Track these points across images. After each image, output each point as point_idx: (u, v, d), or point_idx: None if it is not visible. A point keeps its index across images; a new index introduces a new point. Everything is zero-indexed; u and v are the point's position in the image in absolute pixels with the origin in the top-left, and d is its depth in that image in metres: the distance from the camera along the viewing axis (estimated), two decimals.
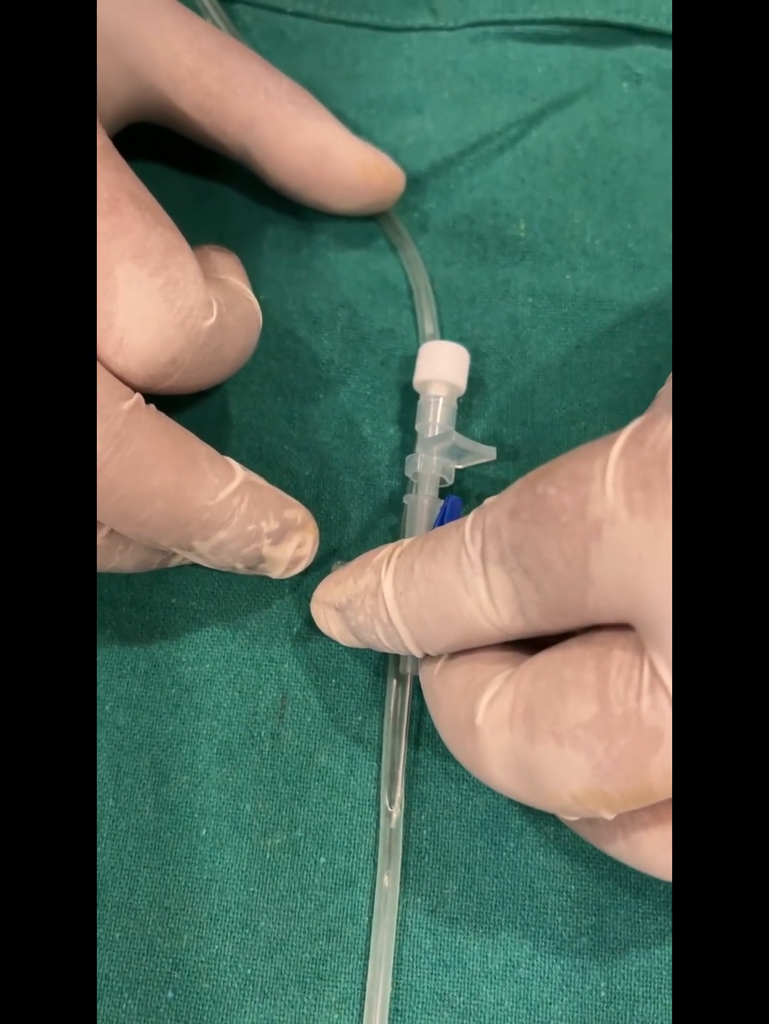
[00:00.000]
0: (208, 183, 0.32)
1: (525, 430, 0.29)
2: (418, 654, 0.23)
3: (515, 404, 0.29)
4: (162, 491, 0.22)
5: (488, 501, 0.21)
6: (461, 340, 0.30)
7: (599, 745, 0.18)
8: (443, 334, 0.30)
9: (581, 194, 0.32)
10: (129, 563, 0.24)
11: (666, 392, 0.25)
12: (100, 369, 0.22)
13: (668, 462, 0.17)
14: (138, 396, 0.22)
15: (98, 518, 0.22)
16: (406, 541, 0.23)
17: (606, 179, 0.32)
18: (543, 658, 0.20)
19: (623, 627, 0.19)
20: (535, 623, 0.20)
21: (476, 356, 0.30)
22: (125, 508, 0.22)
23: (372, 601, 0.23)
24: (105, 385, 0.21)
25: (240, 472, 0.24)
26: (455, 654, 0.22)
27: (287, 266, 0.31)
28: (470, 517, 0.21)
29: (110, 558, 0.24)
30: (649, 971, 0.24)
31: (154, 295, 0.22)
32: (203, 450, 0.23)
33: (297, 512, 0.25)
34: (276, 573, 0.25)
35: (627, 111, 0.33)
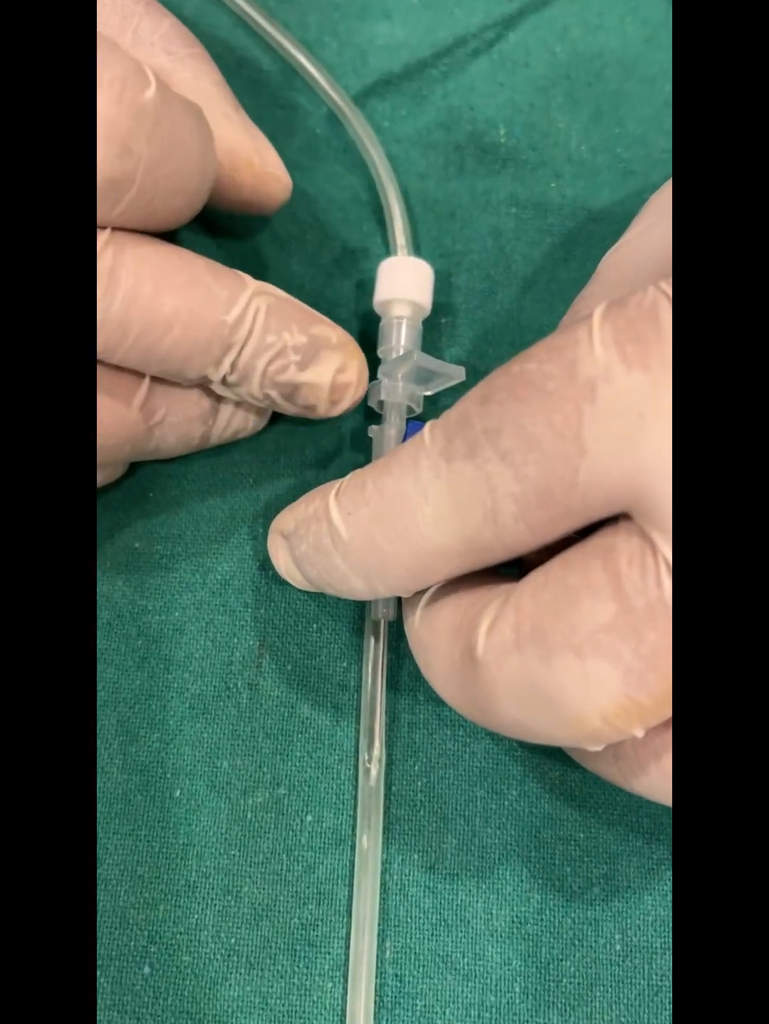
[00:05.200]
0: None
1: (512, 351, 0.26)
2: (366, 592, 0.20)
3: (500, 323, 0.27)
4: (175, 316, 0.20)
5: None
6: (441, 257, 0.27)
7: (626, 646, 0.16)
8: (420, 251, 0.28)
9: (564, 98, 0.29)
10: (170, 440, 0.23)
11: (605, 274, 0.23)
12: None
13: (657, 316, 0.16)
14: (109, 229, 0.20)
15: (120, 363, 0.21)
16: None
17: (590, 82, 0.30)
18: (539, 573, 0.18)
19: (615, 521, 0.17)
20: (507, 528, 0.17)
21: (457, 273, 0.27)
22: (145, 345, 0.20)
23: (317, 526, 0.20)
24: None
25: (251, 282, 0.22)
26: (437, 595, 0.20)
27: None
28: (429, 423, 0.19)
29: (148, 440, 0.22)
30: (666, 921, 0.22)
31: None
32: (201, 263, 0.21)
33: (330, 330, 0.22)
34: (322, 407, 0.23)
35: (608, 14, 0.31)
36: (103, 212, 0.19)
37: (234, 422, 0.24)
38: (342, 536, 0.19)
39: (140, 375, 0.22)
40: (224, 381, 0.21)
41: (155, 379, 0.22)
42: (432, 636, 0.20)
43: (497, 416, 0.17)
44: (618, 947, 0.22)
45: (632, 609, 0.16)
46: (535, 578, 0.18)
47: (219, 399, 0.23)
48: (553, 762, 0.23)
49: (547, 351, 0.17)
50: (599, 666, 0.16)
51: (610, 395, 0.16)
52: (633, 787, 0.19)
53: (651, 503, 0.16)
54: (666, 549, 0.16)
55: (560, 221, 0.28)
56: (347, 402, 0.23)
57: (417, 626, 0.20)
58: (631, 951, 0.22)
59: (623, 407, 0.16)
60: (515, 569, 0.20)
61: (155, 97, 0.19)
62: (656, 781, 0.18)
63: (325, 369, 0.22)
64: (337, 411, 0.23)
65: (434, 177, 0.28)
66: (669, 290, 0.16)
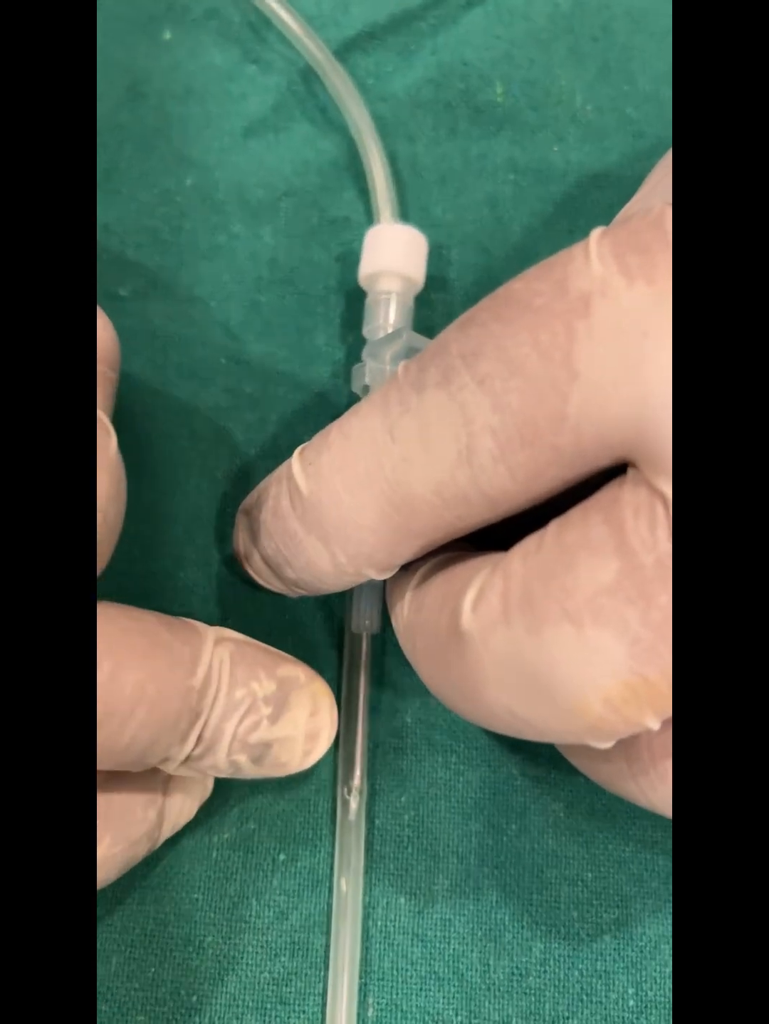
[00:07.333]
0: (125, 58, 0.26)
1: None
2: (327, 564, 0.17)
3: None
4: (140, 695, 0.16)
5: None
6: (431, 227, 0.25)
7: (632, 611, 0.13)
8: (408, 221, 0.25)
9: (567, 53, 0.27)
10: (114, 870, 0.18)
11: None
12: None
13: (664, 227, 0.14)
14: None
15: None
16: None
17: (596, 36, 0.27)
18: (533, 537, 0.15)
19: (620, 479, 0.14)
20: (484, 470, 0.15)
21: (450, 244, 0.25)
22: (103, 739, 0.16)
23: (278, 486, 0.18)
24: None
25: (205, 628, 0.18)
26: (428, 573, 0.17)
27: (217, 149, 0.26)
28: (404, 361, 0.16)
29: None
30: None
31: None
32: (151, 617, 0.17)
33: (296, 669, 0.18)
34: (295, 762, 0.18)
35: None
36: None
37: (180, 821, 0.19)
38: (301, 491, 0.17)
39: None
40: (188, 757, 0.17)
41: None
42: (418, 615, 0.17)
43: (477, 338, 0.15)
44: (632, 1003, 0.19)
45: (639, 567, 0.13)
46: (528, 541, 0.15)
47: (163, 803, 0.18)
48: (558, 791, 0.21)
49: (537, 269, 0.15)
50: (600, 636, 0.13)
51: (607, 311, 0.13)
52: (653, 802, 0.16)
53: (657, 443, 0.13)
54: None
55: (564, 188, 0.25)
56: (320, 750, 0.18)
57: (406, 608, 0.17)
58: (646, 1007, 0.19)
59: (622, 324, 0.13)
60: None
61: (116, 449, 0.16)
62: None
63: (297, 716, 0.18)
64: (308, 764, 0.18)
65: (423, 140, 0.26)
66: None
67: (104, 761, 0.16)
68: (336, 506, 0.16)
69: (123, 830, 0.17)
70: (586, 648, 0.14)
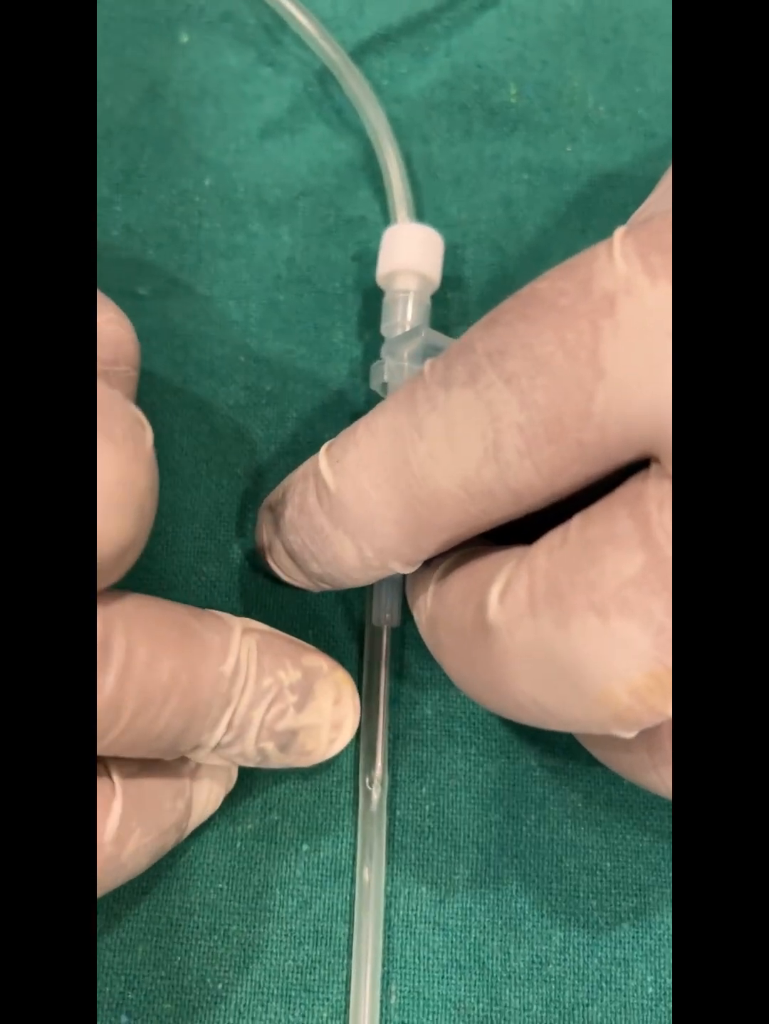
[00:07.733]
0: (143, 60, 0.27)
1: None
2: (353, 559, 0.17)
3: None
4: (174, 682, 0.16)
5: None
6: (446, 227, 0.25)
7: (657, 602, 0.13)
8: (423, 221, 0.25)
9: (579, 54, 0.27)
10: (145, 859, 0.18)
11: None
12: None
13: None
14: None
15: (108, 755, 0.17)
16: None
17: (607, 38, 0.27)
18: (557, 531, 0.15)
19: (643, 474, 0.15)
20: (510, 466, 0.15)
21: (465, 244, 0.25)
22: (140, 726, 0.16)
23: (304, 484, 0.18)
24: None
25: (232, 619, 0.18)
26: (450, 567, 0.17)
27: (234, 150, 0.26)
28: (430, 358, 0.16)
29: (117, 873, 0.17)
30: None
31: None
32: (179, 608, 0.18)
33: (320, 658, 0.19)
34: (320, 750, 0.18)
35: None
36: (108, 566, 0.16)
37: (207, 811, 0.19)
38: (328, 487, 0.17)
39: (110, 791, 0.17)
40: (217, 745, 0.17)
41: (125, 789, 0.18)
42: (442, 608, 0.17)
43: (502, 337, 0.15)
44: (650, 990, 0.20)
45: (665, 559, 0.13)
46: (552, 536, 0.15)
47: (191, 794, 0.19)
48: (576, 782, 0.21)
49: (561, 269, 0.15)
50: (625, 627, 0.14)
51: (632, 310, 0.14)
52: (668, 789, 0.16)
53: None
54: None
55: (577, 188, 0.25)
56: (345, 738, 0.19)
57: (429, 601, 0.18)
58: (665, 994, 0.20)
59: (647, 324, 0.14)
60: None
61: (152, 443, 0.16)
62: None
63: (322, 704, 0.18)
64: (333, 752, 0.19)
65: (438, 140, 0.26)
66: None
67: (139, 748, 0.16)
68: (362, 502, 0.17)
69: (154, 820, 0.18)
70: (612, 639, 0.14)
